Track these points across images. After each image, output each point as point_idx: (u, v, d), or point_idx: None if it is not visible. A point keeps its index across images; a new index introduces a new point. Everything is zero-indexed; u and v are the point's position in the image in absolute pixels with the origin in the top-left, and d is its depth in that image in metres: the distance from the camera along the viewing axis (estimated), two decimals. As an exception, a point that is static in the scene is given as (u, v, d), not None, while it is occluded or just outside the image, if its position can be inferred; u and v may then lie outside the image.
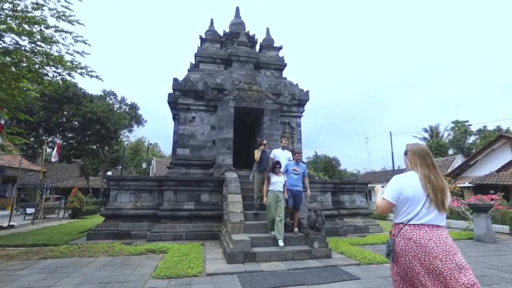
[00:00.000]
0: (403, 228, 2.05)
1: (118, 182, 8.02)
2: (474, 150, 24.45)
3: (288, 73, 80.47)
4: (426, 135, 38.48)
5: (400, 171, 31.00)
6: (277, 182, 5.83)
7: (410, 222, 2.04)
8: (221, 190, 8.04)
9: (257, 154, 6.74)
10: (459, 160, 21.87)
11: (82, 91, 22.63)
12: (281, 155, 6.77)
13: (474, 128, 34.24)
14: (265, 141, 7.00)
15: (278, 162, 6.07)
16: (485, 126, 33.14)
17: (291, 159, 6.88)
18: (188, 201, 7.91)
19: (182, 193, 7.93)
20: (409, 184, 2.12)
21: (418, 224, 2.02)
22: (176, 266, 4.64)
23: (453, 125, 35.67)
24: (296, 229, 5.96)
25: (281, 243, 5.45)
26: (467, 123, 34.28)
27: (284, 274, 4.42)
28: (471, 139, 34.78)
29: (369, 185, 11.45)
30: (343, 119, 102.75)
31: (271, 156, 6.86)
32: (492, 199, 8.52)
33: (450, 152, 33.30)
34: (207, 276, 4.33)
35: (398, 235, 2.08)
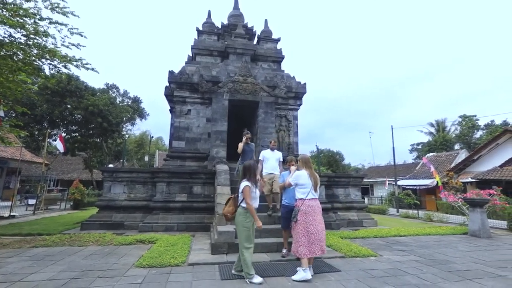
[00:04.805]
0: (304, 201, 4.04)
1: (112, 174, 8.11)
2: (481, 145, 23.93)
3: (291, 67, 79.71)
4: (432, 130, 37.73)
5: (406, 165, 30.62)
6: (257, 197, 4.04)
7: (306, 198, 4.05)
8: (213, 182, 8.05)
9: (240, 146, 6.62)
10: (463, 155, 21.49)
11: (84, 84, 22.82)
12: (270, 156, 6.33)
13: (482, 123, 33.56)
14: (248, 135, 6.80)
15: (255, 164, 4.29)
16: (492, 121, 32.45)
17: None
18: (181, 193, 7.96)
19: (174, 185, 7.98)
20: (303, 177, 4.15)
21: (309, 198, 4.05)
22: (160, 256, 4.69)
23: (460, 120, 34.95)
24: (285, 251, 4.91)
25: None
26: (474, 118, 33.58)
27: (266, 265, 4.43)
28: (478, 134, 34.09)
29: (370, 180, 11.38)
30: (349, 114, 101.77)
31: (260, 158, 6.40)
32: (490, 194, 8.36)
33: (457, 147, 32.69)
34: (188, 266, 4.37)
35: (302, 205, 4.04)
